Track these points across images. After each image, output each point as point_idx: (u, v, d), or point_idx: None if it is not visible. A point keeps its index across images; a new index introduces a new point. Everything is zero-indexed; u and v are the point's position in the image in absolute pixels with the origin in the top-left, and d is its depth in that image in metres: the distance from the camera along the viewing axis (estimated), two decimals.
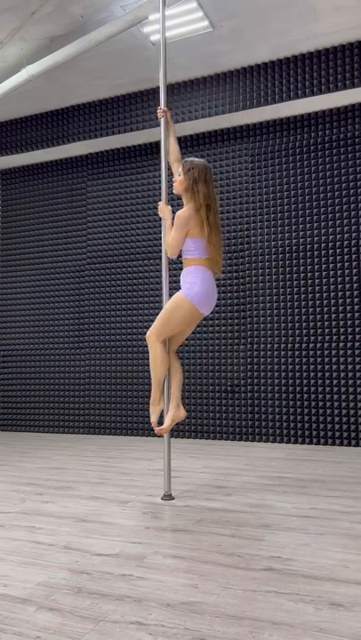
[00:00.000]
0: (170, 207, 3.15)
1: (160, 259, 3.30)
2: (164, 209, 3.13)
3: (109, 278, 5.74)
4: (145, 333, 5.44)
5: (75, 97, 5.48)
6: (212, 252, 2.98)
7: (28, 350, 6.11)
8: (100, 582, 1.92)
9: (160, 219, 3.19)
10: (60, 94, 5.42)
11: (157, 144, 5.35)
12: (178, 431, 5.25)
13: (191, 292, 2.95)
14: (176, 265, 4.68)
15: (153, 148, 5.54)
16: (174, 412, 3.10)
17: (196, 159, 3.09)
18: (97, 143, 5.64)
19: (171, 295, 3.11)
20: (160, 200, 3.23)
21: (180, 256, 3.10)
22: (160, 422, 3.14)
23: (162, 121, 3.26)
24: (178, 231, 2.97)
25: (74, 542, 2.34)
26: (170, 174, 3.28)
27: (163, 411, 3.15)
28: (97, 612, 1.69)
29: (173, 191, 3.14)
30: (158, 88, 4.45)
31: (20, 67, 4.71)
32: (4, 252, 6.34)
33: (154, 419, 3.11)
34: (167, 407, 3.12)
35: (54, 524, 2.62)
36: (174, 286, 3.27)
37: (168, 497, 3.02)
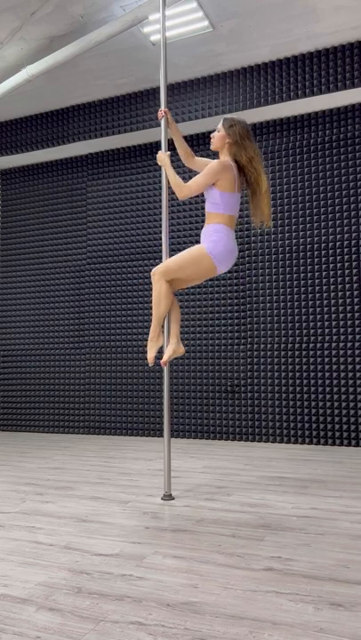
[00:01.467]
0: (169, 153, 3.16)
1: (160, 259, 3.29)
2: (163, 156, 3.13)
3: (109, 278, 5.74)
4: (145, 333, 5.48)
5: (75, 97, 5.48)
6: (261, 204, 2.98)
7: (28, 350, 6.11)
8: (100, 582, 1.92)
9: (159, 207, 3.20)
10: (60, 94, 5.42)
11: (157, 144, 5.35)
12: (178, 431, 5.25)
13: (215, 251, 2.93)
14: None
15: (153, 148, 5.54)
16: (175, 347, 3.08)
17: (237, 117, 3.07)
18: (97, 143, 5.64)
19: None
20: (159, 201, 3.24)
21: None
22: (158, 358, 3.16)
23: (162, 122, 3.25)
24: (206, 177, 2.93)
25: (74, 542, 2.34)
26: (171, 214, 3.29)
27: (162, 347, 3.16)
28: (97, 612, 1.69)
29: (211, 147, 3.11)
30: (158, 88, 4.46)
31: (20, 67, 4.71)
32: (4, 252, 6.34)
33: (151, 355, 3.10)
34: (167, 342, 3.12)
35: (54, 524, 2.62)
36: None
37: (168, 497, 3.02)
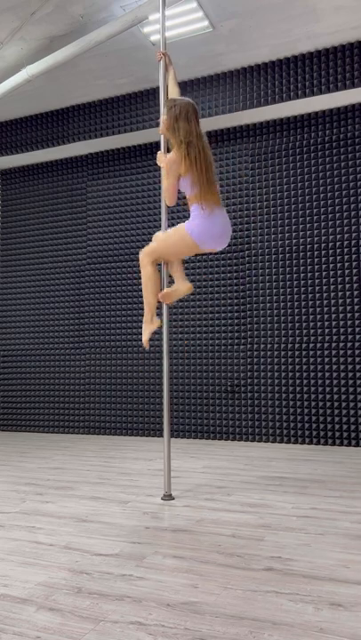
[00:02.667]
0: (168, 155, 3.14)
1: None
2: (161, 157, 3.13)
3: (109, 278, 5.74)
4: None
5: (75, 97, 5.48)
6: (200, 189, 2.92)
7: (28, 350, 6.11)
8: (100, 582, 1.92)
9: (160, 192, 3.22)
10: (60, 94, 5.42)
11: (157, 144, 5.35)
12: (178, 431, 5.25)
13: (191, 228, 2.94)
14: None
15: (153, 148, 5.54)
16: (181, 285, 3.15)
17: (181, 97, 3.04)
18: (97, 143, 5.64)
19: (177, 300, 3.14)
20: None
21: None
22: (155, 339, 3.22)
23: (160, 64, 3.24)
24: (168, 176, 2.96)
25: (74, 542, 2.34)
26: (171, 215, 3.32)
27: (158, 329, 3.21)
28: (97, 612, 1.69)
29: (159, 131, 3.12)
30: (158, 88, 4.46)
31: (20, 67, 4.71)
32: (4, 252, 6.34)
33: (145, 337, 3.14)
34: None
35: (54, 523, 2.62)
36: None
37: (168, 497, 3.02)
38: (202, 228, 2.93)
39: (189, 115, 2.95)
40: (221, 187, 5.23)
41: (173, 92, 3.26)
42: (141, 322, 5.52)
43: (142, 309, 5.52)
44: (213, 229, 2.96)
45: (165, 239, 3.07)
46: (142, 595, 1.80)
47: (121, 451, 4.67)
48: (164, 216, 3.24)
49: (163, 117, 3.04)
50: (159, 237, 3.10)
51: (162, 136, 3.24)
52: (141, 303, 5.56)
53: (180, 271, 3.20)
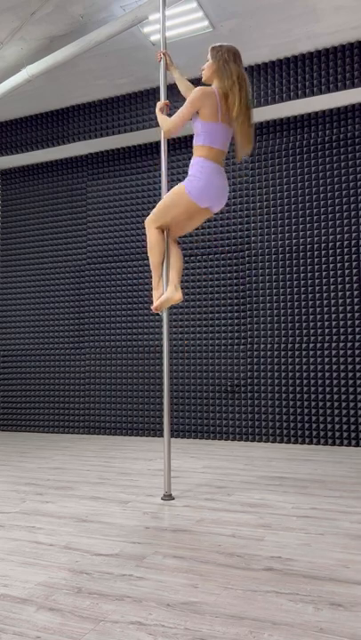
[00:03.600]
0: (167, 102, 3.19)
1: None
2: (159, 104, 3.15)
3: (109, 278, 5.74)
4: (145, 333, 5.48)
5: (75, 97, 5.48)
6: (238, 130, 2.85)
7: (28, 350, 6.11)
8: (100, 582, 1.92)
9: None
10: (60, 94, 5.42)
11: (157, 144, 5.36)
12: (178, 431, 5.25)
13: (190, 186, 2.87)
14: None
15: (153, 148, 5.54)
16: (169, 294, 2.99)
17: (225, 43, 2.99)
18: (97, 143, 5.64)
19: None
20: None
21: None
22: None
23: (161, 64, 3.23)
24: (187, 106, 2.86)
25: (74, 542, 2.34)
26: (169, 172, 3.29)
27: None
28: (97, 612, 1.69)
29: (202, 79, 3.02)
30: (158, 88, 4.46)
31: (20, 67, 4.71)
32: (4, 252, 6.34)
33: (156, 304, 3.03)
34: (165, 288, 3.09)
35: (54, 523, 2.62)
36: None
37: (168, 497, 3.02)
38: (202, 187, 2.84)
39: (238, 59, 2.93)
40: None
41: (185, 86, 3.24)
42: (141, 322, 5.58)
43: (142, 309, 5.56)
44: (214, 189, 2.89)
45: (163, 203, 2.99)
46: (142, 595, 1.80)
47: (121, 451, 4.67)
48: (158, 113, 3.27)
49: (206, 63, 2.96)
50: (158, 203, 3.05)
51: (160, 78, 3.25)
52: (141, 303, 5.59)
53: (175, 277, 3.10)
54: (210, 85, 2.97)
